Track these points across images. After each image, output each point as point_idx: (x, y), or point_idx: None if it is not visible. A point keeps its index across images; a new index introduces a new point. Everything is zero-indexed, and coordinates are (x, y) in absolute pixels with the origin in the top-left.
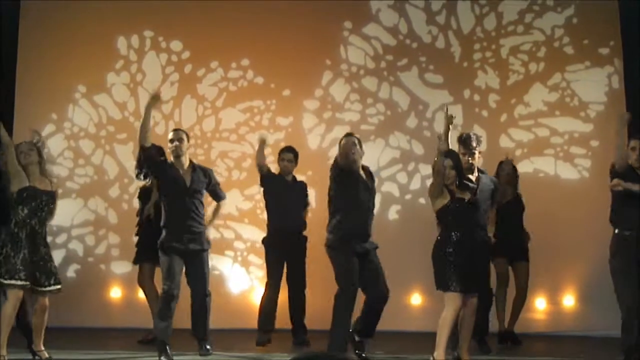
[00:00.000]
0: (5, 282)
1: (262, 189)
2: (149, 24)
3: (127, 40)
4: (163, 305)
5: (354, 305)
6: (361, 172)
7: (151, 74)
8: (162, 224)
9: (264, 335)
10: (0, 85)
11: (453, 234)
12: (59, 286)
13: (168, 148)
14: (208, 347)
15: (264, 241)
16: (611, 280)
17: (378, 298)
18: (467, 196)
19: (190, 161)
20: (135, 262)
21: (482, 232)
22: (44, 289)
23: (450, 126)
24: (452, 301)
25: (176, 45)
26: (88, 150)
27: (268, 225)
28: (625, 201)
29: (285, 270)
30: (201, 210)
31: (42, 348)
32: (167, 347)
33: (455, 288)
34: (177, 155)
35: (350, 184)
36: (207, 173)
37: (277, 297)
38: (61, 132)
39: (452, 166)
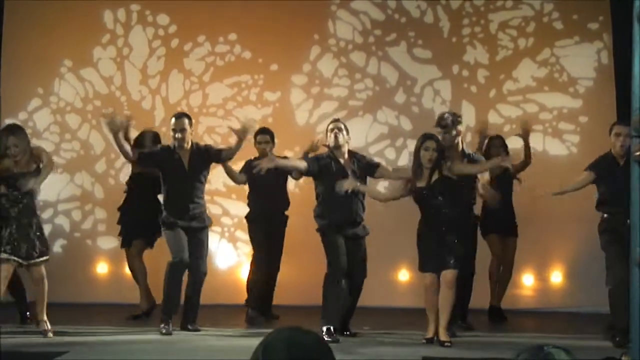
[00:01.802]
0: None
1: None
2: None
3: (113, 13)
4: (175, 274)
5: (340, 287)
6: (344, 158)
7: (138, 48)
8: (162, 203)
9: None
10: None
11: (422, 217)
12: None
13: (171, 136)
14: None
15: (247, 217)
16: (599, 256)
17: (357, 285)
18: (423, 183)
19: (191, 143)
20: (122, 245)
21: (452, 211)
22: (35, 260)
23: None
24: (423, 281)
25: (163, 19)
26: (74, 125)
27: (249, 205)
28: (610, 187)
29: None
30: (202, 189)
31: (45, 319)
32: (171, 319)
33: (423, 269)
34: (181, 145)
35: (330, 174)
36: (206, 150)
37: (273, 273)
38: (47, 106)
39: (434, 148)
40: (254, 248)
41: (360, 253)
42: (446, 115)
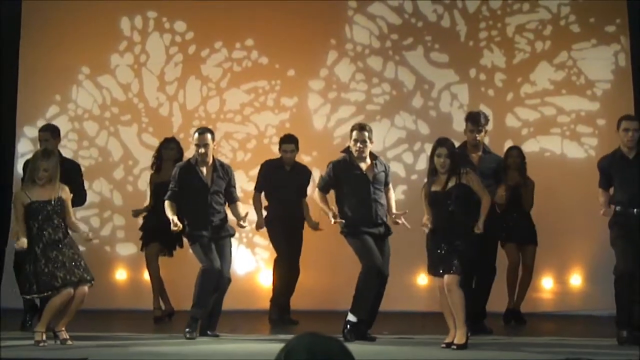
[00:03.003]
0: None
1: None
2: (152, 4)
3: (130, 21)
4: (208, 280)
5: (376, 283)
6: (366, 162)
7: (155, 55)
8: (183, 216)
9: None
10: (3, 67)
11: (433, 221)
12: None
13: (195, 151)
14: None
15: (265, 221)
16: None
17: (382, 282)
18: (439, 187)
19: (213, 159)
20: (142, 248)
21: (464, 218)
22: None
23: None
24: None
25: (180, 25)
26: (92, 132)
27: (266, 208)
28: (620, 182)
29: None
30: (222, 202)
31: (64, 329)
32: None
33: (429, 272)
34: (203, 160)
35: (349, 180)
36: (227, 172)
37: (296, 274)
38: (65, 113)
39: (447, 154)
40: (276, 251)
41: (384, 252)
42: (481, 113)
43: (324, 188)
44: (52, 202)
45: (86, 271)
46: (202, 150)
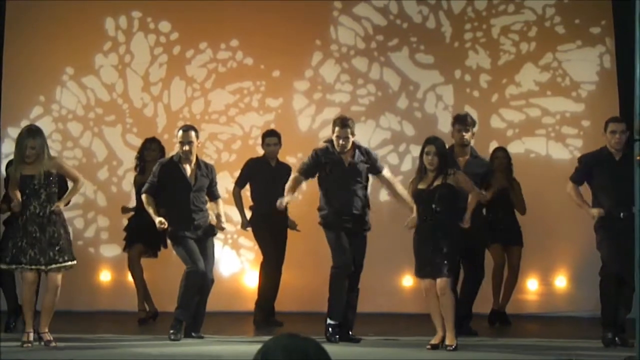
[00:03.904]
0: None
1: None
2: (137, 4)
3: (115, 21)
4: (192, 282)
5: (345, 283)
6: (348, 153)
7: (139, 55)
8: (166, 215)
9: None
10: None
11: (418, 221)
12: (67, 263)
13: (178, 149)
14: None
15: (250, 221)
16: None
17: (353, 277)
18: (424, 185)
19: (197, 157)
20: (125, 248)
21: (447, 218)
22: (47, 266)
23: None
24: (423, 286)
25: (165, 26)
26: (76, 133)
27: (251, 208)
28: (605, 184)
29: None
30: (204, 201)
31: (47, 330)
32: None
33: (417, 274)
34: (187, 157)
35: (329, 169)
36: (210, 171)
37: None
38: (49, 114)
39: (435, 152)
40: (262, 253)
41: (360, 248)
42: (467, 114)
43: (304, 172)
44: (39, 177)
45: (61, 253)
46: (186, 147)
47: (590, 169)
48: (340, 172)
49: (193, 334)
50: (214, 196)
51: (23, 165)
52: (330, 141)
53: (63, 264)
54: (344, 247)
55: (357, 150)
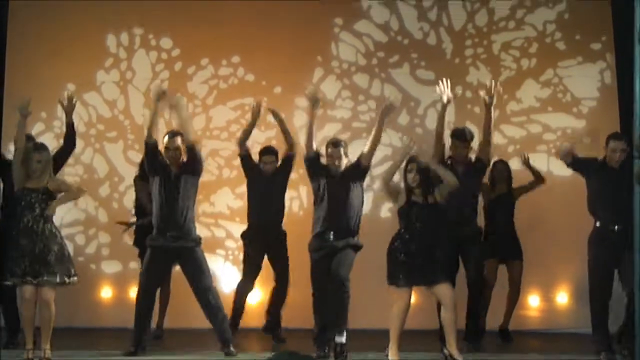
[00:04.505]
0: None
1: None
2: (138, 21)
3: (116, 37)
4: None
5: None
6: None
7: (141, 72)
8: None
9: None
10: None
11: (404, 232)
12: (53, 279)
13: (164, 154)
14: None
15: (243, 235)
16: None
17: (338, 289)
18: (420, 199)
19: (182, 161)
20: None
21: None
22: (35, 280)
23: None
24: (399, 296)
25: (166, 42)
26: (78, 149)
27: (247, 218)
28: (600, 194)
29: (270, 265)
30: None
31: (47, 347)
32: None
33: (402, 283)
34: (175, 163)
35: (320, 177)
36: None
37: (248, 292)
38: (51, 130)
39: (417, 170)
40: (243, 267)
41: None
42: (465, 128)
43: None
44: (38, 192)
45: (48, 268)
46: (171, 153)
47: (589, 170)
48: (333, 184)
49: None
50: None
51: (26, 179)
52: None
53: (48, 279)
54: (318, 276)
55: (355, 164)
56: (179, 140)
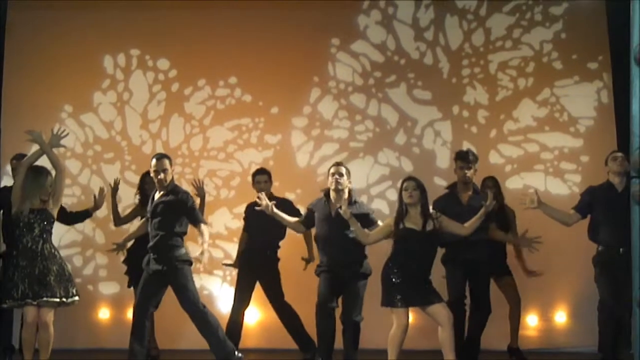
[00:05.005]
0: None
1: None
2: (135, 42)
3: (113, 58)
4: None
5: (326, 325)
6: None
7: (138, 93)
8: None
9: None
10: None
11: (399, 255)
12: (52, 299)
13: (153, 176)
14: None
15: (235, 263)
16: None
17: (347, 324)
18: (415, 225)
19: (170, 186)
20: (130, 284)
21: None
22: (34, 301)
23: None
24: (397, 317)
25: (163, 63)
26: (75, 170)
27: (239, 245)
28: (604, 216)
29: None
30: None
31: None
32: None
33: (400, 304)
34: (162, 185)
35: (322, 219)
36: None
37: (239, 318)
38: None
39: (414, 187)
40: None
41: (352, 294)
42: (470, 151)
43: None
44: (34, 212)
45: (47, 288)
46: (161, 176)
47: (591, 202)
48: (332, 222)
49: None
50: (195, 221)
51: (24, 201)
52: (327, 193)
53: (47, 300)
54: (326, 293)
55: (352, 203)
56: (167, 162)
